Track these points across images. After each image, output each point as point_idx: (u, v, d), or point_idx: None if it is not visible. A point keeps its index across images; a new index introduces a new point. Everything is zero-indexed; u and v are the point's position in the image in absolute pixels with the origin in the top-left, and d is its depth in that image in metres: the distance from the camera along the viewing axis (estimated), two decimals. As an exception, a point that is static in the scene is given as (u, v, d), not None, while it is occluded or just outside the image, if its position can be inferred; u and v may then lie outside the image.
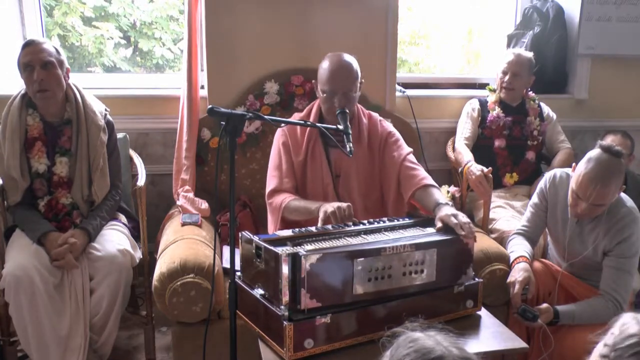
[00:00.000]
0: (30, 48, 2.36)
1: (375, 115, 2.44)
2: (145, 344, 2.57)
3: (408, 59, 4.14)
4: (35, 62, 2.34)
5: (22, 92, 2.44)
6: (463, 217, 1.90)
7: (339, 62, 2.26)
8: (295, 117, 2.44)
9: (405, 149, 2.35)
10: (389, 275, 1.71)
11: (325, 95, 2.26)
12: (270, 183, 2.31)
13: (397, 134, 2.41)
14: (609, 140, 3.00)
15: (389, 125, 2.44)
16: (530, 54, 3.17)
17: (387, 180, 2.33)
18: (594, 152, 2.16)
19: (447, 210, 1.96)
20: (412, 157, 2.33)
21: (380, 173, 2.35)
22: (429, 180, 2.24)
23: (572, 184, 2.21)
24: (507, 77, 3.13)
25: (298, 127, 2.34)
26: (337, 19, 2.97)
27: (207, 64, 2.90)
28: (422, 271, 1.77)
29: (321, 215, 2.02)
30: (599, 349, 1.08)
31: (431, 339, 0.94)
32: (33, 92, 2.36)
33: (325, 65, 2.28)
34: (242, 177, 2.86)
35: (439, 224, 1.94)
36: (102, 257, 2.28)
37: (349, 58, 2.29)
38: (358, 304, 1.67)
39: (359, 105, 2.40)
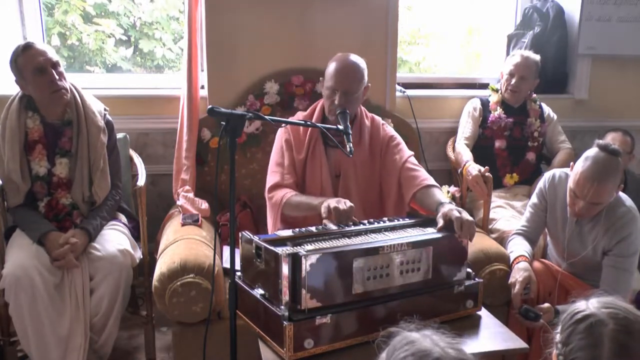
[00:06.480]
0: (34, 50, 2.32)
1: (378, 118, 2.47)
2: (145, 344, 2.58)
3: (409, 59, 4.13)
4: (46, 63, 2.32)
5: (20, 94, 2.41)
6: (467, 216, 1.89)
7: (345, 61, 2.30)
8: (299, 116, 2.46)
9: (407, 152, 2.37)
10: (387, 274, 1.71)
11: (327, 92, 2.28)
12: (271, 179, 2.32)
13: (399, 138, 2.43)
14: (609, 138, 2.98)
15: (390, 130, 2.46)
16: (537, 57, 3.14)
17: (388, 183, 2.34)
18: (591, 151, 2.17)
19: (451, 207, 1.95)
20: (413, 160, 2.35)
21: (380, 176, 2.36)
22: (431, 180, 2.25)
23: (570, 183, 2.22)
24: (513, 80, 3.10)
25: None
26: (337, 19, 2.97)
27: (207, 64, 2.90)
28: (418, 269, 1.77)
29: (323, 210, 2.02)
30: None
31: (427, 340, 0.94)
32: (49, 92, 2.34)
33: (331, 63, 2.31)
34: (242, 177, 2.86)
35: (440, 222, 1.90)
36: (102, 257, 2.28)
37: (356, 59, 2.32)
38: (357, 303, 1.68)
39: (363, 108, 2.43)
